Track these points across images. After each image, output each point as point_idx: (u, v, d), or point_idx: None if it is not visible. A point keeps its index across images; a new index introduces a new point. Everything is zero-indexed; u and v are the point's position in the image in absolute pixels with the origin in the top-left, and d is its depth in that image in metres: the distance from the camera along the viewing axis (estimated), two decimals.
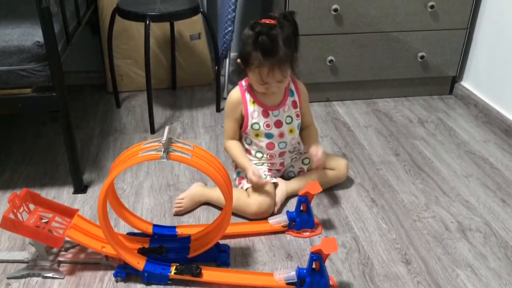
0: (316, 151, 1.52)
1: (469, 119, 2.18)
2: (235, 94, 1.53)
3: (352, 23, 2.12)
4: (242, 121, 1.55)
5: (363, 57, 2.21)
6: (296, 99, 1.56)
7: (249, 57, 1.40)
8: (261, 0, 2.51)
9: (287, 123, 1.55)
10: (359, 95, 2.35)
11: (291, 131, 1.56)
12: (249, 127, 1.54)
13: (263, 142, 1.56)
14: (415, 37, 2.20)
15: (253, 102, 1.51)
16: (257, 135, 1.55)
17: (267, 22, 1.39)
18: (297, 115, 1.57)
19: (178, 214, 1.54)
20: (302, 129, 1.62)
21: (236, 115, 1.54)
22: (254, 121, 1.53)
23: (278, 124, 1.53)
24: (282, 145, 1.57)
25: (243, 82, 1.54)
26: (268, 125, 1.53)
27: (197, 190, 1.57)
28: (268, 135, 1.55)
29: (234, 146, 1.57)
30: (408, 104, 2.31)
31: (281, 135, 1.55)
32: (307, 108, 1.61)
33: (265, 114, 1.52)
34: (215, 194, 1.54)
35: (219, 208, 1.56)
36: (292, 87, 1.56)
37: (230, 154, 1.59)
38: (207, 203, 1.58)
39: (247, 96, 1.52)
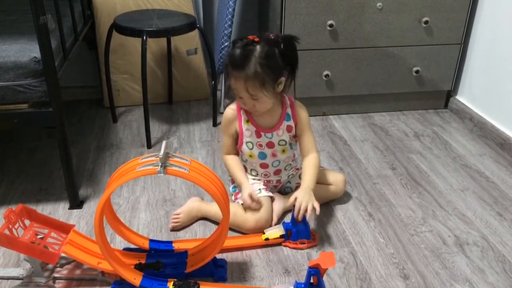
0: (300, 201, 1.38)
1: (465, 133, 2.19)
2: (230, 110, 1.53)
3: (348, 39, 2.14)
4: (237, 137, 1.55)
5: (359, 72, 2.23)
6: (292, 124, 1.52)
7: (226, 69, 1.44)
8: (258, 15, 2.53)
9: (279, 145, 1.53)
10: (355, 109, 2.36)
11: (283, 151, 1.55)
12: (244, 144, 1.53)
13: (257, 162, 1.56)
14: (409, 52, 2.22)
15: (247, 121, 1.51)
16: (250, 156, 1.55)
17: (250, 38, 1.38)
18: (291, 138, 1.54)
19: (174, 229, 1.53)
20: (303, 156, 1.54)
21: (231, 131, 1.54)
22: (247, 139, 1.52)
23: (270, 145, 1.52)
24: (275, 164, 1.56)
25: None
26: (260, 145, 1.52)
27: (194, 205, 1.56)
28: (261, 155, 1.54)
29: (231, 162, 1.57)
30: (403, 118, 2.33)
31: (274, 154, 1.54)
32: (307, 133, 1.53)
33: (258, 134, 1.51)
34: (212, 209, 1.53)
35: (215, 222, 1.55)
36: (289, 111, 1.52)
37: (227, 169, 1.59)
38: (204, 218, 1.57)
39: (243, 114, 1.52)
